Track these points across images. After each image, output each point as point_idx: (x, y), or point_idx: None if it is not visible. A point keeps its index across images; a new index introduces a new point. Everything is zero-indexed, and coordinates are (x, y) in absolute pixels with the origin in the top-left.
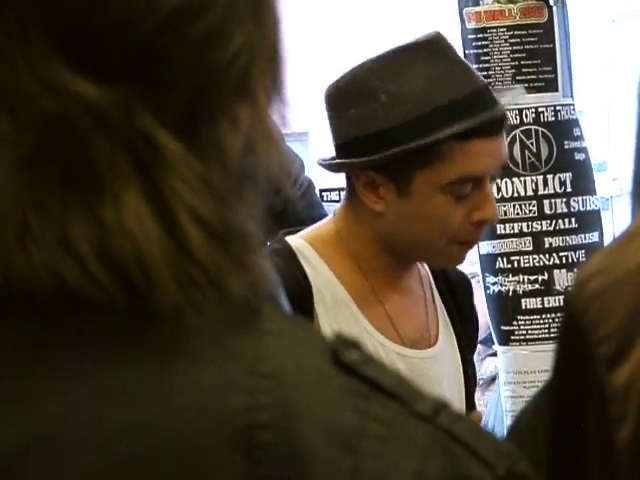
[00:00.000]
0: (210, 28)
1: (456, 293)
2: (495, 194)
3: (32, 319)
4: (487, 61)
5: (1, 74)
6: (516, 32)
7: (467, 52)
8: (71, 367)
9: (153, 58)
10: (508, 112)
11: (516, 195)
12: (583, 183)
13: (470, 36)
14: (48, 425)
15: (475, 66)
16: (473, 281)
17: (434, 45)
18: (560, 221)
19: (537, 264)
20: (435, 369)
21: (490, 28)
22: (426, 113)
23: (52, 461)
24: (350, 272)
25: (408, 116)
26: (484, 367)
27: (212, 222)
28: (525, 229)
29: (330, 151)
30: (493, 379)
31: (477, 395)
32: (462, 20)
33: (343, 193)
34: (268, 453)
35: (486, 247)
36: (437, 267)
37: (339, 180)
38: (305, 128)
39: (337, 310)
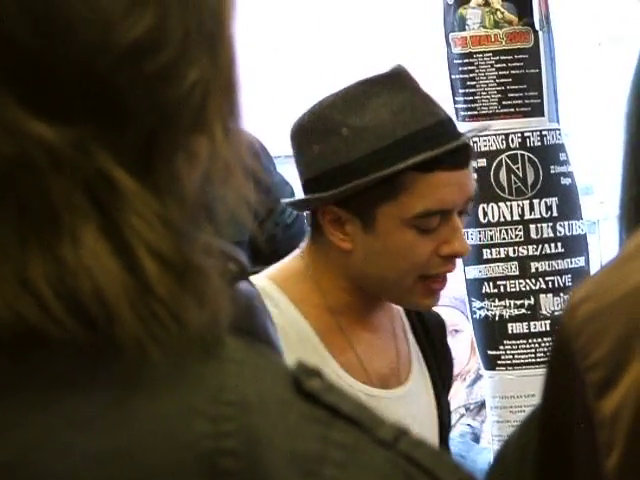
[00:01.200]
0: (165, 64)
1: (430, 332)
2: (481, 219)
3: None
4: (473, 86)
5: None
6: (502, 57)
7: (453, 77)
8: (36, 399)
9: (108, 96)
10: (494, 137)
11: (502, 220)
12: (569, 208)
13: (456, 61)
14: (15, 453)
15: (461, 91)
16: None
17: (396, 77)
18: (546, 246)
19: (523, 289)
20: (405, 409)
21: (476, 53)
22: (387, 145)
23: None
24: (316, 309)
25: (369, 149)
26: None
27: (170, 256)
28: (511, 254)
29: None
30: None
31: (468, 420)
32: (448, 45)
33: None
34: (232, 479)
35: (472, 272)
36: (410, 309)
37: None
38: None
39: (303, 349)
